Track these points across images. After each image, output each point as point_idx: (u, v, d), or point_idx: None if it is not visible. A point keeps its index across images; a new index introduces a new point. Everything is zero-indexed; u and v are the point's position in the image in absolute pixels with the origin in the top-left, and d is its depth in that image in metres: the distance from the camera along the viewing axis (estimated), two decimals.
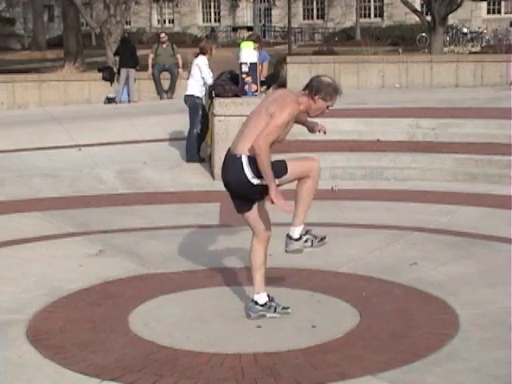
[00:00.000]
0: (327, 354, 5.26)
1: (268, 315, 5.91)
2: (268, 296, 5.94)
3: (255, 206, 5.85)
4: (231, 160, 5.75)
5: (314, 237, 5.91)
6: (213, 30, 52.79)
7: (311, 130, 6.15)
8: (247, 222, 5.94)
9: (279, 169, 5.68)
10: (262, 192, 5.71)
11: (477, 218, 9.11)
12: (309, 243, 5.89)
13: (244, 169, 5.65)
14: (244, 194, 5.81)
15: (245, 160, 5.65)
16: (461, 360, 5.14)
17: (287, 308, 5.98)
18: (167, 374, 4.98)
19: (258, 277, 5.90)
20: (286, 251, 5.95)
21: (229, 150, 5.87)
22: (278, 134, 5.57)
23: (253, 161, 5.61)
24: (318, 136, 13.38)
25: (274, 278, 6.67)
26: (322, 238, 5.92)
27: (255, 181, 5.66)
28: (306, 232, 5.91)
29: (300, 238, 5.88)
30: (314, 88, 5.68)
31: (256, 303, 5.91)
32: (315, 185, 5.79)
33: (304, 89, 5.72)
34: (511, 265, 7.06)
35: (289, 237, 5.90)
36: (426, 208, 9.66)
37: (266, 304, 5.91)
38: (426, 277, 6.88)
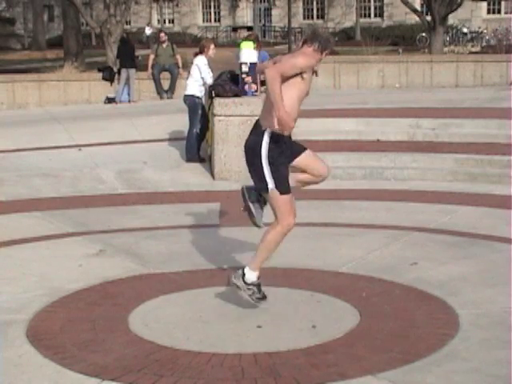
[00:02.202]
0: (327, 354, 5.26)
1: (242, 292, 5.96)
2: (258, 278, 5.96)
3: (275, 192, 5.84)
4: (256, 129, 5.85)
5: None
6: (161, 30, 52.59)
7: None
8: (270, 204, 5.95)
9: (298, 146, 5.97)
10: (261, 180, 5.77)
11: (477, 217, 9.11)
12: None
13: (263, 143, 5.74)
14: (252, 168, 5.86)
15: (267, 135, 5.75)
16: (461, 360, 5.14)
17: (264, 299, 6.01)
18: (167, 374, 4.98)
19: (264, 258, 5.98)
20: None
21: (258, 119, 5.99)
22: (290, 72, 5.63)
23: (274, 140, 5.73)
24: (318, 136, 13.40)
25: (275, 278, 6.67)
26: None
27: (265, 162, 5.73)
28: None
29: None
30: (321, 43, 5.80)
31: (244, 275, 5.94)
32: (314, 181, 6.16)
33: (309, 44, 5.80)
34: (511, 265, 7.06)
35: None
36: (426, 208, 9.65)
37: (250, 284, 5.95)
38: (426, 277, 6.88)
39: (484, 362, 5.09)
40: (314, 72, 6.06)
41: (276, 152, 5.77)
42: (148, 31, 48.17)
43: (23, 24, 58.47)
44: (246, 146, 5.92)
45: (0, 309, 6.23)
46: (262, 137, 5.74)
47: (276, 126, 5.69)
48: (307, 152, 6.06)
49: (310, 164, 6.05)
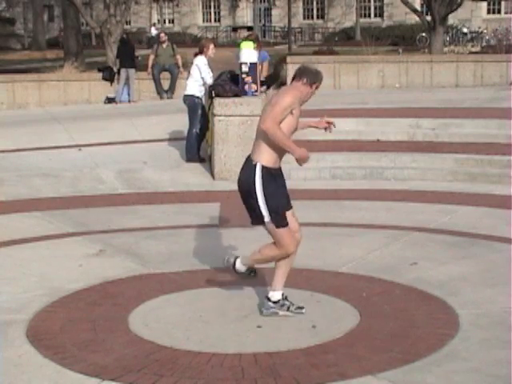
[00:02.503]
0: (327, 354, 5.26)
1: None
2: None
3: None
4: (248, 164, 5.86)
5: (291, 303, 6.04)
6: (159, 34, 52.12)
7: (319, 127, 6.31)
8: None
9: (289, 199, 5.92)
10: (257, 213, 5.78)
11: (477, 217, 9.11)
12: (285, 308, 5.98)
13: (256, 177, 5.75)
14: (248, 203, 5.88)
15: (258, 169, 5.76)
16: (461, 360, 5.14)
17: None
18: (167, 374, 4.98)
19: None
20: (263, 313, 6.03)
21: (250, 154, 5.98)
22: (283, 115, 5.69)
23: (266, 173, 5.74)
24: (318, 136, 13.41)
25: None
26: (300, 307, 6.03)
27: (260, 195, 5.73)
28: (285, 298, 6.04)
29: (277, 302, 6.01)
30: (309, 77, 5.89)
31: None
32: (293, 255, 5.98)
33: (298, 80, 5.91)
34: (511, 265, 7.06)
35: (267, 299, 6.04)
36: (426, 208, 9.66)
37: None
38: (426, 277, 6.88)
39: (484, 362, 5.10)
40: (331, 124, 6.17)
41: (270, 184, 5.77)
42: (154, 31, 48.18)
43: (23, 24, 58.44)
44: (239, 182, 5.93)
45: (0, 309, 6.23)
46: (254, 170, 5.76)
47: (267, 164, 5.73)
48: (292, 210, 6.03)
49: (291, 221, 5.95)
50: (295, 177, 11.04)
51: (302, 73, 5.91)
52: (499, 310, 6.05)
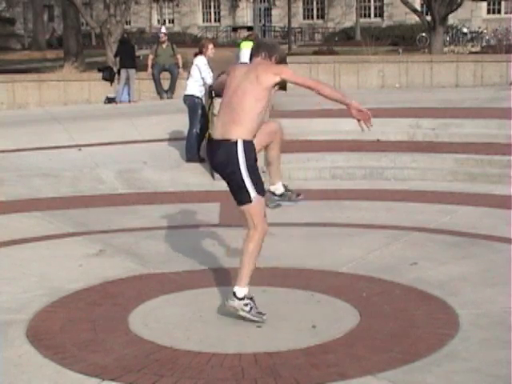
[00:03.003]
0: (327, 354, 5.26)
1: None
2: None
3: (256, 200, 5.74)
4: (224, 144, 5.68)
5: (292, 192, 6.15)
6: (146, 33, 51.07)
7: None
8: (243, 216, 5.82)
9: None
10: (239, 188, 5.69)
11: (477, 217, 9.11)
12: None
13: (238, 154, 5.63)
14: (230, 180, 5.77)
15: (240, 145, 5.63)
16: (461, 360, 5.14)
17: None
18: (167, 374, 4.98)
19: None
20: (269, 207, 6.07)
21: (210, 135, 5.82)
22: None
23: (248, 147, 5.65)
24: (318, 136, 13.36)
25: (274, 278, 6.68)
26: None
27: (244, 171, 5.64)
28: (287, 188, 6.13)
29: (282, 195, 6.11)
30: (267, 51, 5.84)
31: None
32: (279, 145, 5.98)
33: (256, 55, 5.86)
34: (511, 265, 7.06)
35: (272, 193, 6.12)
36: (426, 208, 9.66)
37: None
38: (426, 277, 6.88)
39: (484, 362, 5.09)
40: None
41: (252, 159, 5.68)
42: (163, 30, 48.16)
43: (23, 24, 58.40)
44: (217, 162, 5.77)
45: (0, 309, 6.23)
46: (236, 147, 5.61)
47: (247, 137, 5.63)
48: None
49: (263, 129, 5.82)
50: (295, 177, 11.04)
51: (259, 48, 5.86)
52: (499, 309, 6.05)
